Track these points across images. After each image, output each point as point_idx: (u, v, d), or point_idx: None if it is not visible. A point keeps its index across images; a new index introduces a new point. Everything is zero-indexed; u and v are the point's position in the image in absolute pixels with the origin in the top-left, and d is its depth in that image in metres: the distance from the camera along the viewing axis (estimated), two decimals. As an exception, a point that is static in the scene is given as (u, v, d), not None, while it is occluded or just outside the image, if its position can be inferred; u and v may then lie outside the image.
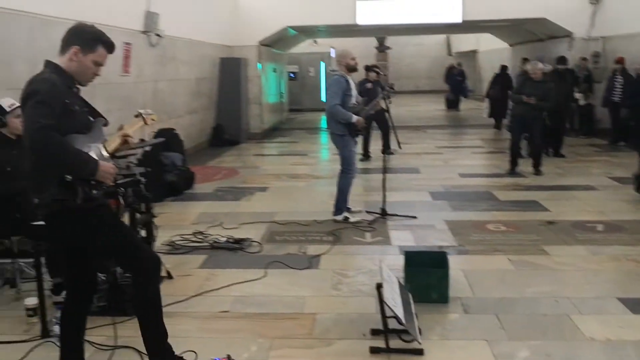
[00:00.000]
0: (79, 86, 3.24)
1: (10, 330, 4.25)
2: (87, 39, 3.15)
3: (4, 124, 4.66)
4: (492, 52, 23.28)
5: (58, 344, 3.77)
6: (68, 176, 2.94)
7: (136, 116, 3.63)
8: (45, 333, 4.12)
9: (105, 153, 3.18)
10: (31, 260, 4.53)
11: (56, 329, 4.00)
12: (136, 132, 3.54)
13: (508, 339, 3.96)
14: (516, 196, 8.07)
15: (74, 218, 3.07)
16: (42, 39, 6.48)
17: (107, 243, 3.20)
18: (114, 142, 3.33)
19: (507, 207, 7.46)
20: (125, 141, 3.39)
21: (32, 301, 4.34)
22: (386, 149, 11.03)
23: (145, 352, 3.55)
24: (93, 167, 2.98)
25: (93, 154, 3.06)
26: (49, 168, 2.96)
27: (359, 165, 9.53)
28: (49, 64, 3.13)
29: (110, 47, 3.23)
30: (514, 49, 19.30)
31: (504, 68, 16.16)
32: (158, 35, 9.83)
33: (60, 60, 3.14)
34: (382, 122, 10.69)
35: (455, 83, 22.74)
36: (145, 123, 3.62)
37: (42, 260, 4.78)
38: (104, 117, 3.33)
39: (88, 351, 3.79)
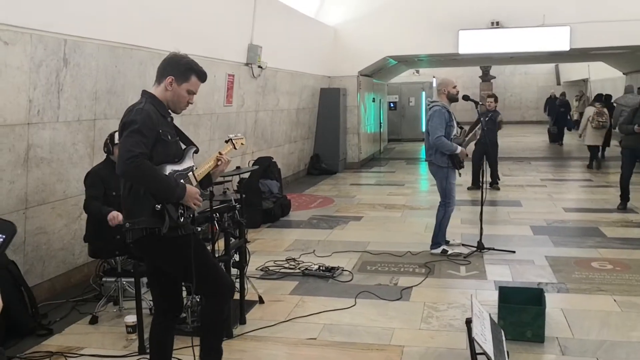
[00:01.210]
0: (172, 114, 3.39)
1: (112, 345, 4.47)
2: (181, 69, 3.27)
3: (110, 151, 4.96)
4: (605, 81, 22.29)
5: (150, 360, 3.94)
6: (157, 205, 3.09)
7: (226, 142, 3.75)
8: (142, 350, 4.30)
9: (194, 181, 3.33)
10: (132, 279, 4.75)
11: (151, 347, 4.17)
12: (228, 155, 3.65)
13: (609, 385, 3.72)
14: (625, 233, 7.61)
15: (159, 243, 3.22)
16: (151, 70, 6.87)
17: (188, 267, 3.27)
18: (206, 165, 3.47)
19: (614, 245, 7.05)
20: (217, 161, 3.50)
21: (131, 319, 4.55)
22: (494, 182, 10.88)
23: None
24: (180, 192, 3.13)
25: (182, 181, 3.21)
26: (141, 196, 3.13)
27: (462, 195, 9.37)
28: (145, 93, 3.30)
29: (202, 76, 3.34)
30: (629, 77, 18.36)
31: (608, 98, 15.52)
32: (260, 67, 10.16)
33: (156, 90, 3.30)
34: (491, 153, 10.53)
35: (559, 114, 20.75)
36: (234, 147, 3.71)
37: (144, 280, 5.06)
38: (194, 145, 3.47)
39: (180, 370, 3.91)
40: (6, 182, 4.97)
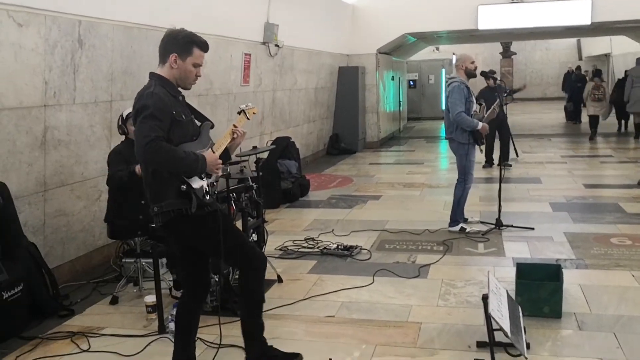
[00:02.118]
0: (183, 92, 3.39)
1: (132, 325, 4.54)
2: (182, 44, 3.24)
3: (125, 131, 4.99)
4: (627, 56, 21.85)
5: (173, 339, 4.00)
6: (183, 186, 3.12)
7: (239, 113, 3.71)
8: (162, 329, 4.35)
9: None
10: (151, 260, 4.80)
11: (171, 325, 4.22)
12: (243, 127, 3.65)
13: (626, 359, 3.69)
14: (646, 209, 7.53)
15: (190, 223, 3.25)
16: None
17: (219, 244, 3.31)
18: (224, 140, 3.48)
19: (634, 220, 6.96)
20: (232, 134, 3.52)
21: (151, 299, 4.60)
22: (504, 160, 10.75)
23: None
24: (202, 163, 3.16)
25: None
26: (165, 179, 3.16)
27: (479, 173, 9.30)
28: (152, 75, 3.28)
29: (204, 46, 3.31)
30: (652, 51, 18.01)
31: (598, 72, 16.03)
32: (277, 45, 10.12)
33: (162, 71, 3.28)
34: (504, 129, 10.39)
35: (575, 90, 18.86)
36: (247, 118, 3.68)
37: (163, 260, 5.12)
38: (209, 121, 3.48)
39: (200, 348, 3.97)
40: (24, 164, 5.04)
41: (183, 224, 3.25)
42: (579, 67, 21.18)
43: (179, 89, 3.34)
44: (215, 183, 3.37)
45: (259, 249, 3.66)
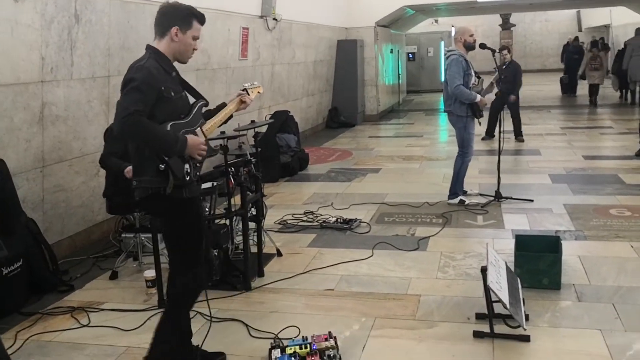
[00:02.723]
0: (178, 66, 3.29)
1: (132, 299, 4.56)
2: (183, 16, 3.17)
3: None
4: (627, 27, 21.65)
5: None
6: (161, 165, 3.02)
7: (242, 90, 3.63)
8: (162, 303, 4.37)
9: (202, 137, 3.24)
10: (150, 235, 4.80)
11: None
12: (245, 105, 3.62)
13: (624, 330, 3.71)
14: (645, 180, 7.53)
15: (163, 203, 3.15)
16: (164, 25, 6.82)
17: (177, 233, 3.24)
18: (222, 114, 3.44)
19: (633, 191, 6.97)
20: (241, 103, 3.51)
21: (150, 273, 4.62)
22: (518, 134, 10.75)
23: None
24: (182, 145, 3.05)
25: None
26: (146, 156, 3.06)
27: (479, 146, 9.28)
28: (149, 48, 3.19)
29: (202, 19, 3.25)
30: (652, 21, 17.86)
31: (595, 43, 16.79)
32: (275, 19, 10.02)
33: (159, 44, 3.17)
34: (512, 105, 10.40)
35: (571, 62, 18.44)
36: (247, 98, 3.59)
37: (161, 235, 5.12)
38: (204, 99, 3.39)
39: (200, 322, 3.99)
40: (22, 140, 5.01)
41: (158, 203, 3.17)
42: (576, 38, 20.56)
43: (175, 64, 3.26)
44: (198, 164, 3.26)
45: (204, 261, 3.43)
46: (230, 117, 3.55)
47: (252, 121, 5.49)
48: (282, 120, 9.22)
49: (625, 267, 4.72)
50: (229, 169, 4.69)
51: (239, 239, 5.04)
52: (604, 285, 4.40)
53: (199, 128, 3.26)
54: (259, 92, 3.74)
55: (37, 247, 4.78)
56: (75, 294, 4.71)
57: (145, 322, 4.13)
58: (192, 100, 3.37)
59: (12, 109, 4.87)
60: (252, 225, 4.96)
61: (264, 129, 8.65)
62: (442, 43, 21.81)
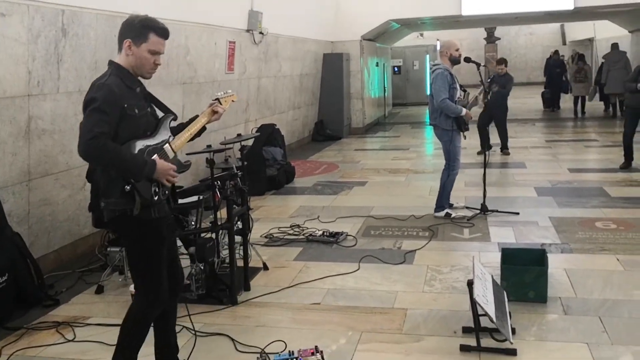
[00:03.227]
0: (142, 80, 3.16)
1: (117, 314, 4.49)
2: (136, 29, 3.02)
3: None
4: (610, 40, 21.92)
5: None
6: (127, 187, 2.92)
7: (214, 100, 3.45)
8: (148, 318, 4.33)
9: (171, 153, 3.15)
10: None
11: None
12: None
13: (611, 343, 3.73)
14: (630, 192, 7.59)
15: (130, 224, 3.05)
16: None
17: (140, 257, 3.16)
18: (192, 128, 3.28)
19: (618, 204, 7.04)
20: (213, 113, 3.36)
21: (136, 287, 4.58)
22: (504, 147, 10.82)
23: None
24: (149, 170, 2.95)
25: (155, 157, 3.03)
26: (112, 177, 2.96)
27: (466, 159, 9.33)
28: (111, 63, 3.08)
29: (162, 32, 3.08)
30: (635, 35, 18.10)
31: (582, 56, 17.55)
32: (261, 33, 10.06)
33: (120, 59, 3.07)
34: (500, 117, 10.49)
35: (553, 76, 18.16)
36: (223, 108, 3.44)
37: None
38: (172, 112, 3.26)
39: (186, 336, 3.97)
40: (8, 154, 4.98)
41: (126, 224, 3.07)
42: (556, 52, 20.54)
43: (139, 78, 3.12)
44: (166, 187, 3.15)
45: (166, 288, 3.22)
46: (204, 129, 3.39)
47: (239, 134, 5.50)
48: (268, 134, 9.23)
49: (611, 280, 4.76)
50: (215, 183, 4.69)
51: (225, 252, 5.02)
52: (590, 298, 4.43)
53: (167, 144, 3.15)
54: (232, 101, 3.57)
55: (23, 261, 4.73)
56: (61, 308, 4.67)
57: (131, 337, 4.08)
58: (160, 114, 3.25)
59: (-3, 123, 4.84)
60: (238, 238, 4.96)
61: (249, 142, 8.66)
62: (428, 56, 22.01)
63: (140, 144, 3.00)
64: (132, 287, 4.60)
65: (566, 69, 19.00)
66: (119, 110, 2.91)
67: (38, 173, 5.33)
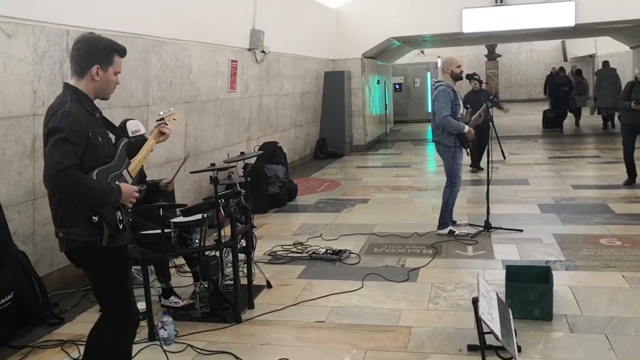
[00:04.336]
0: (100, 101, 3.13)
1: (121, 333, 4.50)
2: (103, 54, 2.99)
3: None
4: (612, 56, 22.02)
5: (164, 346, 4.00)
6: (95, 217, 2.88)
7: (158, 120, 3.48)
8: (152, 336, 4.33)
9: (129, 178, 3.15)
10: (139, 267, 4.77)
11: (162, 332, 4.23)
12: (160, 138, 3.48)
13: (617, 361, 3.72)
14: (634, 209, 7.58)
15: (94, 254, 2.99)
16: (154, 59, 6.88)
17: (111, 286, 3.12)
18: (142, 153, 3.32)
19: (623, 221, 7.02)
20: (160, 135, 3.41)
21: (140, 306, 4.54)
22: (476, 164, 10.75)
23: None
24: (116, 197, 2.93)
25: (117, 183, 3.03)
26: (75, 206, 2.90)
27: (467, 176, 9.34)
28: (68, 87, 2.99)
29: (123, 52, 3.09)
30: (636, 51, 18.17)
31: (579, 72, 19.08)
32: (263, 51, 10.12)
33: (78, 83, 2.98)
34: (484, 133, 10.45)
35: (561, 95, 17.06)
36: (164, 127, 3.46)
37: (152, 267, 5.10)
38: (126, 137, 3.28)
39: (190, 355, 3.96)
40: (14, 173, 5.00)
41: (89, 254, 2.99)
42: (562, 69, 19.68)
43: (96, 101, 3.08)
44: (129, 210, 3.14)
45: (136, 308, 3.27)
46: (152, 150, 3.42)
47: (242, 152, 5.52)
48: (270, 151, 9.27)
49: (616, 297, 4.74)
50: (219, 201, 4.70)
51: (228, 270, 5.02)
52: (596, 315, 4.41)
53: (125, 170, 3.13)
54: (174, 119, 3.58)
55: (27, 280, 4.74)
56: (66, 326, 4.67)
57: (135, 355, 4.07)
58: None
59: (3, 142, 4.87)
60: (241, 256, 4.95)
61: (252, 160, 8.68)
62: (429, 74, 22.11)
63: (103, 172, 2.97)
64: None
65: (573, 85, 17.96)
66: (84, 140, 2.86)
67: (43, 192, 5.31)
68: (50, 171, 2.75)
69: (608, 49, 21.98)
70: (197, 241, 4.94)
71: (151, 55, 6.83)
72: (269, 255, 6.24)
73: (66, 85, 3.01)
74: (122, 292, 3.14)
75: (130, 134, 4.84)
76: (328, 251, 6.15)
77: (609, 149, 13.17)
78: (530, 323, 4.25)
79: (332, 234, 7.01)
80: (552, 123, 17.45)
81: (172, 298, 4.96)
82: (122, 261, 3.12)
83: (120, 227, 3.01)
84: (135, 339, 4.25)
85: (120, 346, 3.25)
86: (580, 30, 16.23)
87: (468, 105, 6.87)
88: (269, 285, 5.29)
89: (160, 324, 4.28)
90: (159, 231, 4.45)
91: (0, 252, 4.51)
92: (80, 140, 2.83)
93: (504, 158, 7.20)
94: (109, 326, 3.22)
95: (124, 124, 4.97)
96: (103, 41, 3.02)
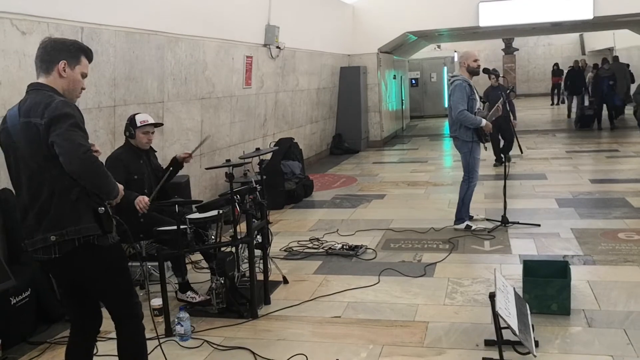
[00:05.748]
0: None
1: (138, 328, 4.52)
2: (72, 51, 2.92)
3: (132, 135, 4.99)
4: (631, 49, 21.77)
5: (180, 342, 4.02)
6: (101, 208, 2.85)
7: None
8: (169, 332, 4.36)
9: None
10: (157, 263, 4.79)
11: (178, 328, 4.25)
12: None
13: (637, 356, 3.67)
14: (653, 203, 7.49)
15: (93, 253, 2.91)
16: (169, 55, 6.90)
17: (111, 284, 3.06)
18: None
19: (642, 215, 6.94)
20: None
21: (157, 302, 4.60)
22: (498, 159, 10.70)
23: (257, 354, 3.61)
24: (118, 189, 2.94)
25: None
26: (73, 202, 2.82)
27: (485, 171, 9.27)
28: (42, 86, 2.88)
29: (91, 54, 3.03)
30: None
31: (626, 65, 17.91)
32: (278, 47, 10.12)
33: (48, 81, 2.88)
34: (506, 128, 10.37)
35: (605, 92, 15.32)
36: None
37: (168, 264, 5.13)
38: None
39: (207, 350, 3.97)
40: (30, 170, 5.03)
41: (86, 255, 2.89)
42: (606, 60, 18.15)
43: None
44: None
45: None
46: None
47: (257, 148, 5.52)
48: (286, 148, 9.26)
49: (635, 291, 4.67)
50: (235, 197, 4.71)
51: (245, 266, 5.02)
52: (615, 310, 4.36)
53: None
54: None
55: (45, 276, 4.77)
56: (82, 323, 4.68)
57: (152, 350, 4.08)
58: None
59: (19, 140, 4.90)
60: (258, 252, 4.96)
61: (268, 156, 8.69)
62: (445, 68, 21.99)
63: None
64: (153, 302, 4.64)
65: (616, 79, 15.74)
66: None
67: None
68: (77, 152, 2.69)
69: (627, 42, 21.72)
70: (213, 237, 4.95)
71: (166, 51, 6.85)
72: (285, 251, 6.25)
73: (39, 85, 2.89)
74: (130, 287, 3.15)
75: (138, 124, 4.93)
76: (344, 247, 6.14)
77: (628, 143, 13.01)
78: (548, 318, 4.21)
79: (349, 229, 7.00)
80: (588, 121, 15.90)
81: (189, 293, 4.99)
82: (121, 256, 3.10)
83: (114, 222, 2.99)
84: (152, 335, 4.31)
85: (144, 335, 3.26)
86: (599, 24, 16.03)
87: (486, 101, 6.81)
88: (285, 281, 5.30)
89: (176, 320, 4.30)
90: (175, 227, 4.46)
91: (17, 249, 4.54)
92: (84, 129, 2.82)
93: (522, 152, 7.15)
94: (126, 324, 3.18)
95: (132, 117, 5.01)
96: (70, 40, 3.01)
